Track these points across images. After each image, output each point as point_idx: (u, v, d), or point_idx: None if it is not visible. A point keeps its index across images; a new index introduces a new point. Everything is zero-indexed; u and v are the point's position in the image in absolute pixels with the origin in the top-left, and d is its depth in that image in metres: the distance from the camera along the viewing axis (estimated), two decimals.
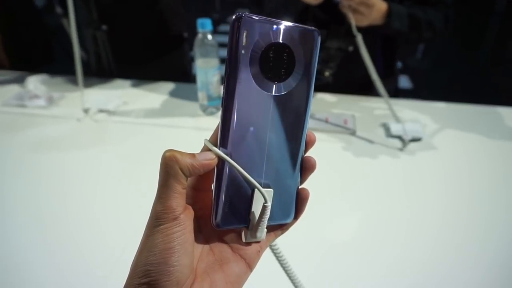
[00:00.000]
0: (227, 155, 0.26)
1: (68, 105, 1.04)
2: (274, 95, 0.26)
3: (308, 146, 0.29)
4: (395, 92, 1.16)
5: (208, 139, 0.27)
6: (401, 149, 0.84)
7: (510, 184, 0.74)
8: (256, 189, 0.27)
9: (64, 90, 1.11)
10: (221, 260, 0.28)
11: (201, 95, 0.95)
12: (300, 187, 0.29)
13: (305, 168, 0.29)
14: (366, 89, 1.10)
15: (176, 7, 1.26)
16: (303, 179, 0.29)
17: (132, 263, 0.25)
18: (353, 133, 0.90)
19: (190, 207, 0.26)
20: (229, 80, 0.25)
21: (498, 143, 0.87)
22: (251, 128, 0.26)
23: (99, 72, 1.23)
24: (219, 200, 0.26)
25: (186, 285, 0.25)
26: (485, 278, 0.54)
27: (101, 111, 1.00)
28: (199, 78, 0.92)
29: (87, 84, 1.13)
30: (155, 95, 1.11)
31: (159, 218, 0.24)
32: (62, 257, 0.56)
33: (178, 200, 0.25)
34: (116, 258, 0.56)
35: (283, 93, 0.26)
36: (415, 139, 0.86)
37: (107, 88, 1.15)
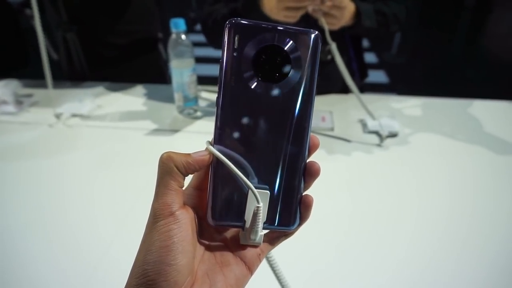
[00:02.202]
0: (222, 153, 0.26)
1: (39, 110, 1.00)
2: (269, 96, 0.26)
3: (311, 150, 0.28)
4: (361, 88, 1.17)
5: (210, 140, 0.28)
6: (379, 145, 0.84)
7: (487, 176, 0.75)
8: (250, 190, 0.27)
9: (35, 95, 1.07)
10: (222, 263, 0.28)
11: (177, 96, 0.94)
12: (304, 193, 0.29)
13: (309, 173, 0.28)
14: (343, 91, 1.11)
15: (149, 7, 1.23)
16: (307, 185, 0.29)
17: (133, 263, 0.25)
18: (331, 129, 0.91)
19: (189, 207, 0.27)
20: (222, 80, 0.26)
21: (473, 136, 0.89)
22: (245, 128, 0.26)
23: (72, 75, 1.19)
24: (213, 196, 0.27)
25: (184, 286, 0.24)
26: (462, 277, 0.55)
27: (74, 115, 0.97)
28: (175, 79, 0.91)
29: (59, 88, 1.09)
30: (130, 97, 1.09)
31: (156, 215, 0.25)
32: (32, 267, 0.54)
33: (174, 197, 0.25)
34: (95, 263, 0.54)
35: (279, 94, 0.27)
36: (392, 135, 0.87)
37: (80, 92, 1.11)
